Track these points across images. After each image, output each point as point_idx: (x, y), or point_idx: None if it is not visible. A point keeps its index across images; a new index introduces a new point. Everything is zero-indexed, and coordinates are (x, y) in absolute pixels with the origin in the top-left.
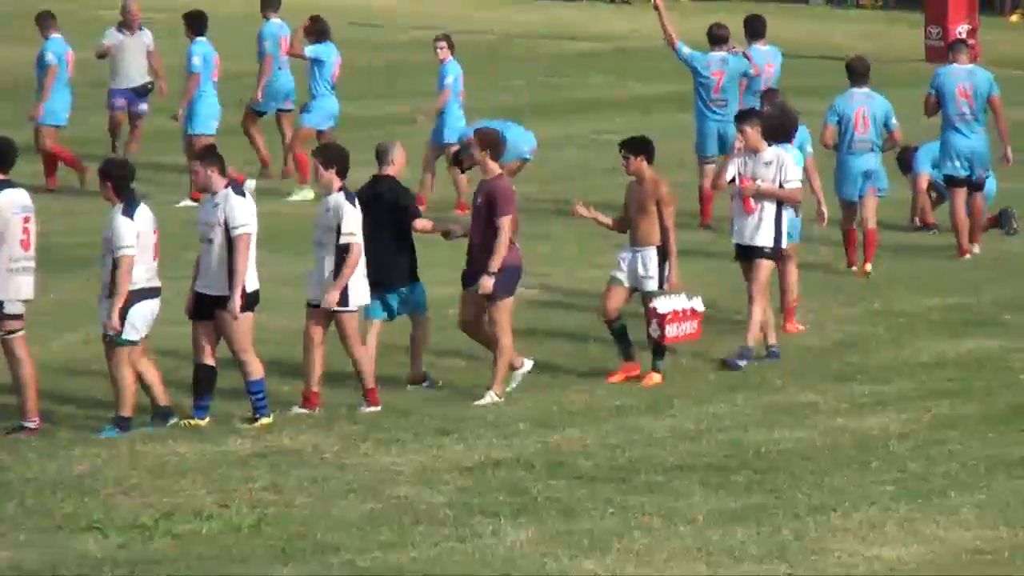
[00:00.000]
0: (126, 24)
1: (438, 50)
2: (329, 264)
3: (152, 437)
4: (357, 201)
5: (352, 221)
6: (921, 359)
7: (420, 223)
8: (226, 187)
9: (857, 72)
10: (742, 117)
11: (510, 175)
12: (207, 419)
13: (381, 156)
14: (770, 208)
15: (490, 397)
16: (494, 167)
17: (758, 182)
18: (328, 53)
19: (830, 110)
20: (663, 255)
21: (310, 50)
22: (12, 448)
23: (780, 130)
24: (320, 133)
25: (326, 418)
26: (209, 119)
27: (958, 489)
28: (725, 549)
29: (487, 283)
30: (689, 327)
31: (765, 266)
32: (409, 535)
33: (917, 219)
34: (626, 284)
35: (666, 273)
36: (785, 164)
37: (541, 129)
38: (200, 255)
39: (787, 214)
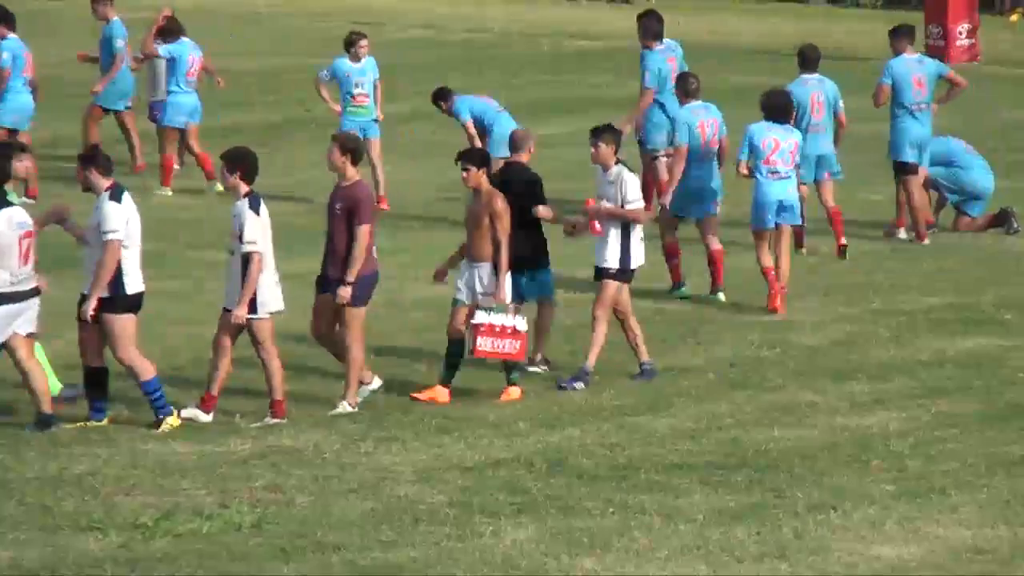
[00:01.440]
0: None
1: (359, 48)
2: (237, 271)
3: (152, 437)
4: (263, 208)
5: (253, 229)
6: (921, 358)
7: (542, 210)
8: (107, 189)
9: (809, 59)
10: (595, 132)
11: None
12: (105, 420)
13: (517, 143)
14: (615, 230)
15: (343, 407)
16: (354, 173)
17: (603, 202)
18: (182, 51)
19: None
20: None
21: (164, 49)
22: (12, 447)
23: (778, 110)
24: (181, 131)
25: (326, 418)
26: (12, 113)
27: (958, 488)
28: (725, 548)
29: (345, 293)
30: (508, 345)
31: (610, 287)
32: (410, 534)
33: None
34: (467, 302)
35: (501, 286)
36: (626, 183)
37: (541, 128)
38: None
39: (635, 235)
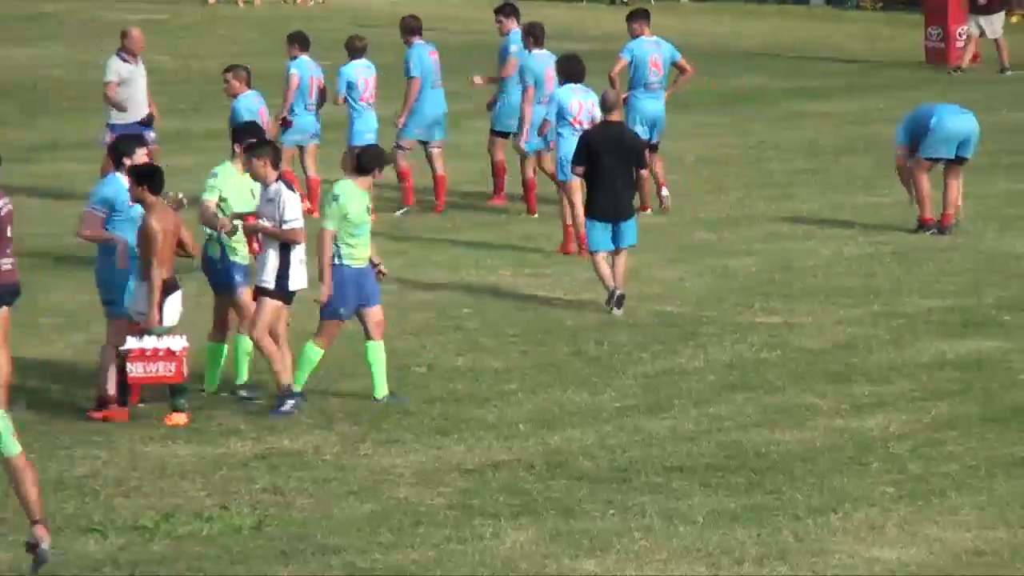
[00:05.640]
0: (129, 51)
1: (225, 84)
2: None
3: (153, 439)
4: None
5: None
6: (921, 360)
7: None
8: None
9: (643, 18)
10: (249, 148)
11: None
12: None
13: (609, 105)
14: (273, 249)
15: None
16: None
17: (262, 220)
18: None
19: (625, 50)
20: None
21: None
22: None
23: (576, 73)
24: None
25: (326, 419)
26: None
27: (958, 490)
28: (725, 550)
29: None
30: (163, 368)
31: (267, 305)
32: (409, 536)
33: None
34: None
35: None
36: (284, 202)
37: None
38: None
39: (295, 255)
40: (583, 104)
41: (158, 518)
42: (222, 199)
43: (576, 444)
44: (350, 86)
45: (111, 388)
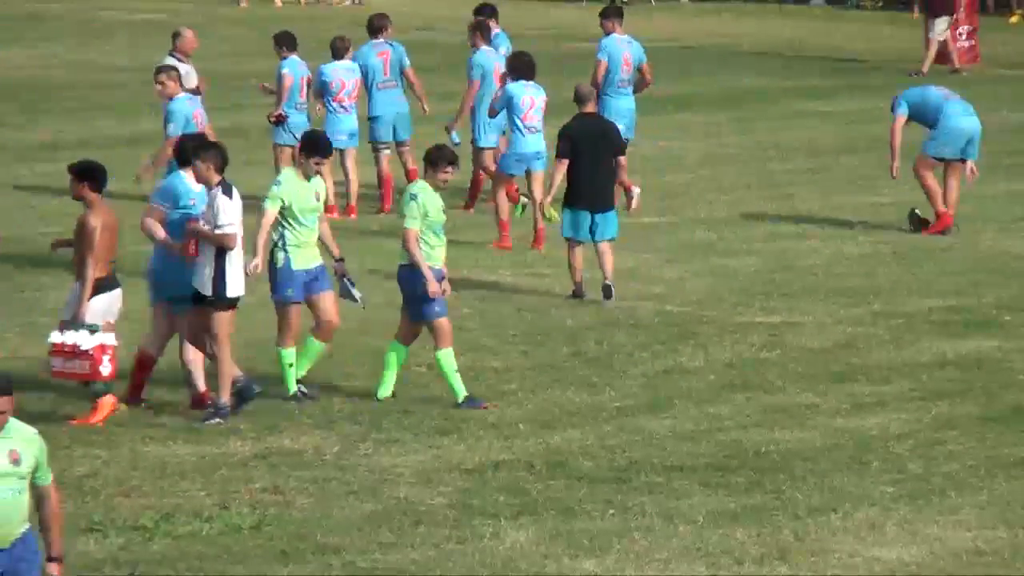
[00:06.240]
0: (182, 51)
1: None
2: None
3: (153, 438)
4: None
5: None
6: (921, 359)
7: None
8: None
9: (616, 16)
10: (195, 151)
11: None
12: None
13: (583, 97)
14: (210, 253)
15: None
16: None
17: (201, 223)
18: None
19: (601, 51)
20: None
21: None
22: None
23: (527, 68)
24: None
25: (326, 419)
26: None
27: (958, 489)
28: (725, 550)
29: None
30: (78, 366)
31: (214, 316)
32: (409, 536)
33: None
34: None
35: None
36: (220, 206)
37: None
38: None
39: (233, 259)
40: (534, 100)
41: (158, 518)
42: (285, 206)
43: (576, 444)
44: (324, 86)
45: (201, 385)
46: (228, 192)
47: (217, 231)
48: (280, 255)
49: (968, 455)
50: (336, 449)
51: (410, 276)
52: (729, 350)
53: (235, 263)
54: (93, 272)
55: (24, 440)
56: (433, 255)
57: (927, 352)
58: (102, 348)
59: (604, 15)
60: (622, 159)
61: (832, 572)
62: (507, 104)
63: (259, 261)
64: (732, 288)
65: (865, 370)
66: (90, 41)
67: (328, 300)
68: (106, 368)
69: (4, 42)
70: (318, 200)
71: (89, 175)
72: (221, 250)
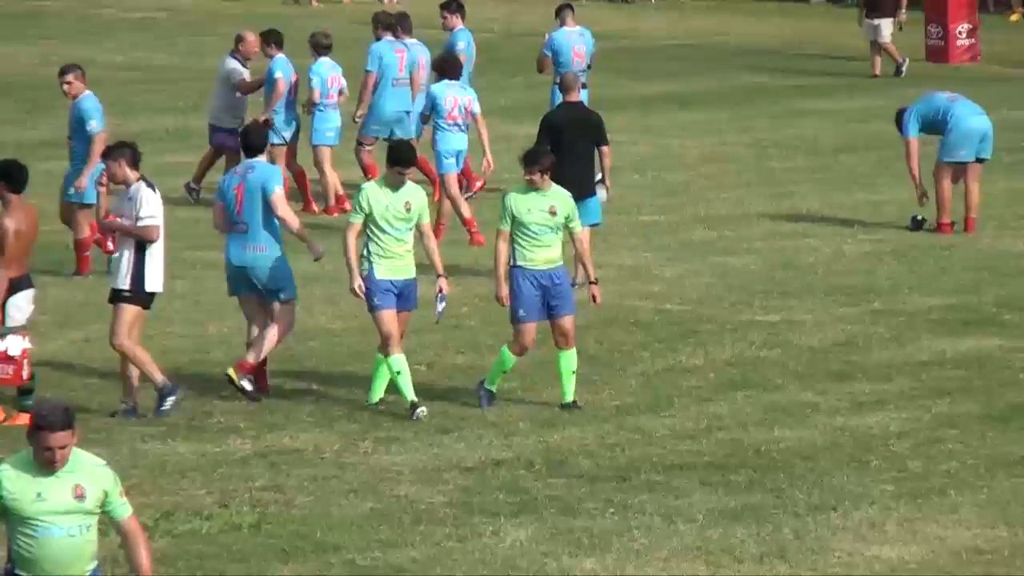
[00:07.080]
0: (244, 55)
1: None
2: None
3: (152, 437)
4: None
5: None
6: (921, 358)
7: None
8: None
9: (568, 10)
10: (107, 152)
11: None
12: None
13: (568, 85)
14: (129, 248)
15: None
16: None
17: (120, 219)
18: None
19: (546, 46)
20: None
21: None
22: (11, 447)
23: (452, 68)
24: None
25: (326, 418)
26: None
27: (958, 488)
28: (725, 548)
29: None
30: (1, 370)
31: (126, 311)
32: (409, 534)
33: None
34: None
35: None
36: (142, 199)
37: None
38: None
39: (152, 254)
40: (458, 100)
41: (158, 516)
42: (368, 216)
43: (576, 442)
44: (321, 85)
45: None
46: (151, 186)
47: (139, 223)
48: (365, 264)
49: (968, 454)
50: (336, 447)
51: (512, 278)
52: (729, 349)
53: (155, 258)
54: (6, 275)
55: (90, 474)
56: (528, 256)
57: (927, 351)
58: (24, 353)
59: (558, 10)
60: (605, 148)
61: (832, 571)
62: (432, 105)
63: (356, 279)
64: (732, 287)
65: (865, 369)
66: (89, 38)
67: (401, 320)
68: (25, 373)
69: (3, 39)
70: (408, 211)
71: (6, 175)
72: (141, 244)
